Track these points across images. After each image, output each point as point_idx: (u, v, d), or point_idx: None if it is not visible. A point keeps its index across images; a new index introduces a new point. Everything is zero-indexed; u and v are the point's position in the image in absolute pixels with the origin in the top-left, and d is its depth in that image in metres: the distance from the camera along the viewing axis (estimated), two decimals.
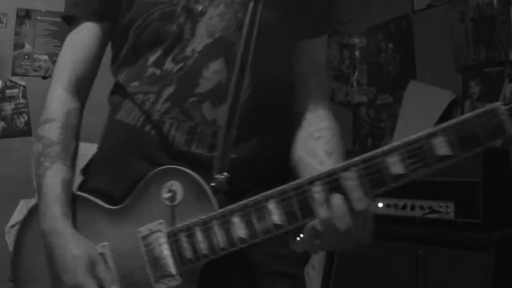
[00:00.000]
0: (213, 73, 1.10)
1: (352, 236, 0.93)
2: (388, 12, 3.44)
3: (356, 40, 3.84)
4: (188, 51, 1.11)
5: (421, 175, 0.90)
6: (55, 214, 1.10)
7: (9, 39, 3.05)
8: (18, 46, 3.07)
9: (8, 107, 3.01)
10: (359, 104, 3.76)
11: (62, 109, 1.18)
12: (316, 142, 1.12)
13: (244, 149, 1.11)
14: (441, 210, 2.16)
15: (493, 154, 2.18)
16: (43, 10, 3.10)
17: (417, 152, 0.88)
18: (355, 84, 3.83)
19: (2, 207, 2.92)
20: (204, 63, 1.10)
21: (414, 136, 0.89)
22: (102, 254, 1.09)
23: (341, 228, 0.91)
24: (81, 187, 1.24)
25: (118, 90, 1.20)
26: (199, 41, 1.11)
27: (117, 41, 1.22)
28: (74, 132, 1.19)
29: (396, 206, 2.33)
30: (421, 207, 2.23)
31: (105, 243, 1.09)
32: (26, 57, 3.09)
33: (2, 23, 3.04)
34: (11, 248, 3.05)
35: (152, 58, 1.13)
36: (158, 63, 1.13)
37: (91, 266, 1.05)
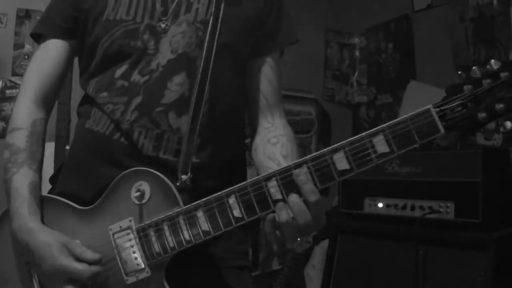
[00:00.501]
0: (176, 85, 1.20)
1: (309, 227, 1.02)
2: (388, 12, 3.44)
3: (356, 40, 3.84)
4: (153, 65, 1.21)
5: (365, 170, 1.01)
6: (23, 214, 1.16)
7: (9, 39, 3.05)
8: (18, 46, 3.07)
9: (8, 107, 3.01)
10: (359, 104, 3.77)
11: (29, 119, 1.27)
12: (273, 147, 1.26)
13: (205, 154, 1.22)
14: (441, 210, 2.16)
15: (493, 154, 2.18)
16: (43, 10, 3.10)
17: (359, 149, 1.00)
18: (355, 84, 3.84)
19: (2, 207, 2.92)
20: (168, 76, 1.21)
21: (357, 136, 1.01)
22: None
23: (300, 222, 1.01)
24: (51, 191, 1.30)
25: (87, 101, 1.29)
26: (163, 56, 1.21)
27: (85, 56, 1.31)
28: (40, 140, 1.28)
29: (396, 206, 2.33)
30: (421, 207, 2.23)
31: (77, 241, 1.14)
32: (26, 57, 3.09)
33: (2, 23, 3.04)
34: None
35: (119, 71, 1.23)
36: (126, 76, 1.22)
37: (65, 247, 1.11)
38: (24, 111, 1.28)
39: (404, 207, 2.30)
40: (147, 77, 1.21)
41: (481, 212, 2.04)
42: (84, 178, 1.23)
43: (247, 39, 1.28)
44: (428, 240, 2.14)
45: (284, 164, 1.15)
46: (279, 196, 1.03)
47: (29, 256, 1.14)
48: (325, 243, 2.67)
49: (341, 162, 1.01)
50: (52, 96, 1.33)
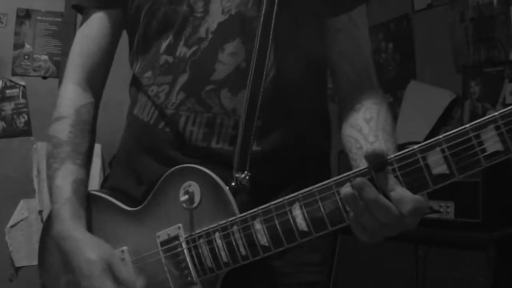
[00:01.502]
0: (230, 55, 0.99)
1: (397, 223, 0.81)
2: (388, 12, 3.44)
3: None
4: (201, 32, 1.01)
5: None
6: (64, 218, 1.03)
7: (9, 39, 3.05)
8: (18, 46, 3.07)
9: (8, 107, 3.01)
10: None
11: (73, 106, 1.12)
12: (357, 113, 1.02)
13: (269, 142, 1.01)
14: (441, 210, 2.15)
15: None
16: (43, 10, 3.10)
17: (463, 147, 0.76)
18: None
19: (2, 207, 2.92)
20: (219, 45, 1.00)
21: (458, 128, 0.76)
22: (122, 259, 1.03)
23: (384, 220, 0.80)
24: (104, 183, 1.20)
25: (135, 82, 1.13)
26: (213, 19, 1.00)
27: (129, 28, 1.15)
28: (87, 129, 1.12)
29: None
30: None
31: (124, 248, 1.03)
32: (26, 57, 3.09)
33: (2, 23, 3.04)
34: (11, 248, 3.05)
35: (164, 45, 1.04)
36: (171, 49, 1.03)
37: (109, 268, 0.97)
38: (67, 96, 1.12)
39: None
40: (194, 48, 1.00)
41: (481, 212, 2.04)
42: (132, 174, 1.10)
43: None
44: (428, 240, 2.14)
45: (365, 129, 0.96)
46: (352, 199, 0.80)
47: (69, 266, 1.01)
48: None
49: (437, 163, 0.76)
50: (100, 76, 1.17)
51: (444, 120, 2.88)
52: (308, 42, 1.05)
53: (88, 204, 1.08)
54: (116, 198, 1.09)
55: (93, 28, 1.15)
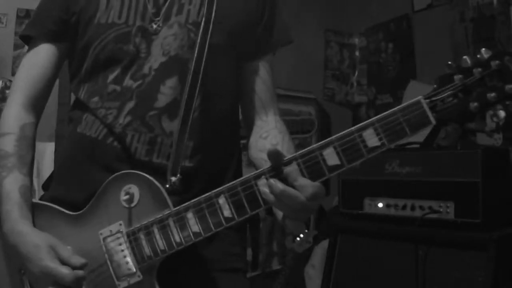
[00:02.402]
0: (169, 88, 1.19)
1: (305, 205, 1.00)
2: (388, 12, 3.44)
3: (356, 40, 3.84)
4: (145, 69, 1.20)
5: (356, 165, 0.99)
6: (14, 217, 1.15)
7: (9, 39, 3.05)
8: (18, 46, 3.07)
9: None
10: (359, 104, 3.77)
11: (18, 123, 1.26)
12: (264, 140, 1.27)
13: (198, 158, 1.20)
14: (441, 210, 2.15)
15: (493, 154, 2.18)
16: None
17: (350, 144, 0.98)
18: (355, 84, 3.84)
19: None
20: (161, 80, 1.19)
21: (347, 130, 0.99)
22: None
23: (296, 207, 1.00)
24: (43, 196, 1.30)
25: (79, 106, 1.27)
26: (155, 59, 1.20)
27: (75, 60, 1.29)
28: (30, 144, 1.26)
29: (396, 206, 2.32)
30: (421, 207, 2.23)
31: (68, 247, 1.12)
32: None
33: (2, 23, 3.05)
34: None
35: (111, 76, 1.22)
36: (118, 80, 1.21)
37: (53, 250, 1.10)
38: (13, 115, 1.27)
39: (404, 207, 2.30)
40: (139, 81, 1.19)
41: (481, 212, 2.04)
42: (76, 183, 1.23)
43: (239, 41, 1.27)
44: (428, 240, 2.14)
45: None
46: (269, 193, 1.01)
47: (18, 259, 1.13)
48: (325, 243, 2.66)
49: (331, 157, 0.99)
50: (42, 100, 1.32)
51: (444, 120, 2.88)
52: (229, 80, 1.29)
53: (33, 212, 1.20)
54: (59, 205, 1.20)
55: (39, 57, 1.29)
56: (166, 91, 1.19)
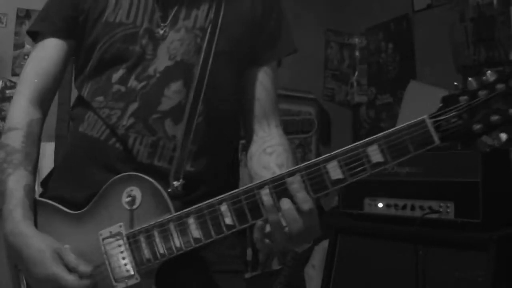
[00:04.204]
0: (174, 92, 1.19)
1: (301, 237, 1.01)
2: (388, 12, 3.44)
3: (356, 40, 3.84)
4: (150, 71, 1.20)
5: (359, 179, 1.00)
6: (17, 218, 1.13)
7: (9, 39, 3.05)
8: (18, 46, 3.07)
9: (8, 107, 3.01)
10: (359, 104, 3.76)
11: (25, 119, 1.24)
12: (268, 157, 1.25)
13: (201, 163, 1.21)
14: (441, 210, 2.15)
15: (493, 154, 2.18)
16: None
17: (354, 159, 0.99)
18: (355, 84, 3.84)
19: None
20: (165, 83, 1.19)
21: (351, 145, 1.00)
22: None
23: (292, 231, 1.00)
24: (43, 195, 1.29)
25: (81, 104, 1.26)
26: (160, 62, 1.20)
27: (81, 57, 1.28)
28: (36, 141, 1.24)
29: (396, 206, 2.33)
30: (421, 207, 2.23)
31: (66, 246, 1.12)
32: (26, 57, 3.08)
33: (2, 23, 3.04)
34: None
35: (116, 76, 1.21)
36: (123, 81, 1.21)
37: (57, 255, 1.09)
38: (20, 110, 1.26)
39: (404, 207, 2.30)
40: (144, 83, 1.19)
41: (481, 212, 2.04)
42: (77, 183, 1.22)
43: (245, 47, 1.28)
44: (428, 240, 2.14)
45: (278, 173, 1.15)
46: (271, 204, 1.01)
47: (19, 260, 1.12)
48: (325, 243, 2.66)
49: (334, 171, 1.00)
50: (49, 96, 1.31)
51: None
52: (233, 87, 1.28)
53: (35, 209, 1.19)
54: (59, 204, 1.19)
55: (49, 53, 1.28)
56: (171, 95, 1.19)
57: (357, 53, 3.84)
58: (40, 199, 1.22)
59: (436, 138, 0.97)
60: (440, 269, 2.10)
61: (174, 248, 1.07)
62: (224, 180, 1.26)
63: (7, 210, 1.15)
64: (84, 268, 1.08)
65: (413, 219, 2.19)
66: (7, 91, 3.04)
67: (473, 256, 2.01)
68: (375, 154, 0.98)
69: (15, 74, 3.06)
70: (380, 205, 2.39)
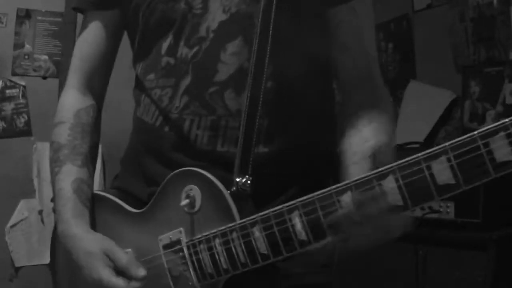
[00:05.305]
0: (232, 55, 0.97)
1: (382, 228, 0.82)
2: (388, 12, 3.44)
3: None
4: (201, 31, 0.99)
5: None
6: (66, 218, 1.05)
7: (9, 39, 3.05)
8: (18, 46, 3.07)
9: (8, 107, 3.01)
10: None
11: (72, 110, 1.13)
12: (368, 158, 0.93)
13: (276, 143, 0.99)
14: (441, 210, 2.15)
15: None
16: (43, 10, 3.10)
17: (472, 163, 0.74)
18: None
19: (2, 207, 2.92)
20: (221, 45, 0.98)
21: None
22: None
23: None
24: (114, 182, 1.21)
25: (138, 84, 1.12)
26: (213, 18, 0.98)
27: (130, 30, 1.14)
28: (86, 130, 1.13)
29: None
30: (421, 207, 2.23)
31: (128, 250, 1.02)
32: (26, 57, 3.09)
33: (2, 23, 3.04)
34: (11, 248, 3.06)
35: (165, 45, 1.03)
36: (172, 51, 1.02)
37: (108, 257, 0.99)
38: (66, 102, 1.15)
39: None
40: (196, 48, 0.99)
41: (481, 212, 2.04)
42: (138, 175, 1.10)
43: None
44: (428, 240, 2.14)
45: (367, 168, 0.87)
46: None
47: (72, 262, 1.04)
48: None
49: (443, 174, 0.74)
50: (100, 78, 1.17)
51: (444, 120, 2.88)
52: (309, 38, 1.00)
53: (93, 204, 1.09)
54: (121, 199, 1.09)
55: (91, 32, 1.15)
56: (228, 59, 0.97)
57: None
58: (100, 193, 1.12)
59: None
60: (440, 269, 2.10)
61: (238, 264, 0.90)
62: (311, 172, 1.01)
63: (58, 211, 1.07)
64: (136, 270, 0.96)
65: (413, 219, 2.19)
66: (7, 91, 3.04)
67: (473, 256, 2.01)
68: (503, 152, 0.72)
69: (15, 74, 3.06)
70: None
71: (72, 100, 1.15)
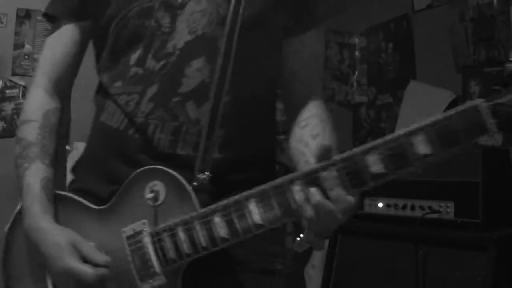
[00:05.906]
0: (195, 71, 1.08)
1: (337, 221, 0.93)
2: (388, 12, 3.44)
3: (356, 40, 3.84)
4: (169, 47, 1.09)
5: (402, 175, 0.90)
6: (34, 212, 1.11)
7: (9, 39, 3.05)
8: (18, 46, 3.07)
9: (8, 107, 3.01)
10: (359, 104, 3.76)
11: (40, 110, 1.18)
12: (303, 130, 1.15)
13: (230, 149, 1.10)
14: (441, 210, 2.16)
15: (493, 154, 2.18)
16: (43, 10, 3.10)
17: (397, 150, 0.88)
18: (355, 84, 3.83)
19: (2, 207, 2.92)
20: (186, 61, 1.08)
21: (394, 134, 0.89)
22: None
23: (326, 224, 0.93)
24: (70, 186, 1.25)
25: (101, 91, 1.19)
26: (180, 37, 1.09)
27: (98, 40, 1.20)
28: (54, 132, 1.19)
29: (396, 206, 2.32)
30: (421, 207, 2.23)
31: (91, 243, 1.08)
32: (26, 57, 3.09)
33: (2, 23, 3.04)
34: None
35: (134, 57, 1.12)
36: (140, 62, 1.11)
37: (75, 248, 1.06)
38: (35, 101, 1.20)
39: (404, 207, 2.30)
40: (163, 62, 1.09)
41: (481, 212, 2.04)
42: (101, 176, 1.15)
43: (277, 13, 1.13)
44: (428, 240, 2.14)
45: (312, 144, 1.08)
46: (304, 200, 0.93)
47: (40, 256, 1.09)
48: (325, 243, 2.66)
49: (375, 165, 0.89)
50: (66, 84, 1.23)
51: None
52: (265, 61, 1.15)
53: (55, 204, 1.14)
54: (82, 198, 1.15)
55: (62, 37, 1.21)
56: (192, 74, 1.08)
57: (357, 53, 3.84)
58: (61, 192, 1.17)
59: (491, 125, 0.84)
60: (440, 269, 2.10)
61: (199, 248, 1.00)
62: (257, 172, 1.12)
63: (25, 206, 1.12)
64: (99, 256, 1.05)
65: (413, 219, 2.19)
66: (7, 91, 3.04)
67: (473, 256, 2.01)
68: (421, 145, 0.87)
69: (15, 74, 3.06)
70: (380, 205, 2.39)
71: (41, 100, 1.20)
